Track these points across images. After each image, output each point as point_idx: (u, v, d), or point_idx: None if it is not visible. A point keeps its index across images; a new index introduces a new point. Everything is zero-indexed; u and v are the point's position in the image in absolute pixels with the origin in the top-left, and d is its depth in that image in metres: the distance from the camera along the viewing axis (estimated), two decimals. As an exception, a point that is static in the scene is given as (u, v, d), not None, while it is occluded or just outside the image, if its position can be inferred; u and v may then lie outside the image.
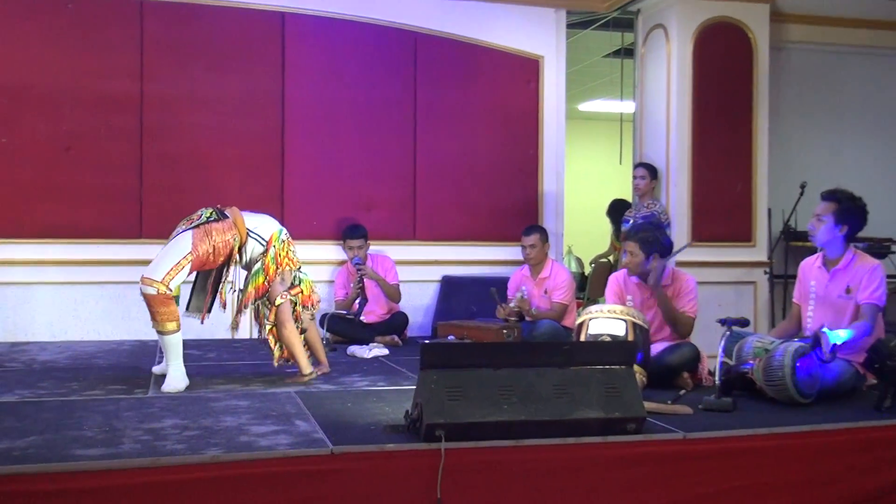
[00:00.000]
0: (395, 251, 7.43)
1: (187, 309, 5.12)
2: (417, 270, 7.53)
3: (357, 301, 6.84)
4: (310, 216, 7.30)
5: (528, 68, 7.87)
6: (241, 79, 7.23)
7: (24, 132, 6.83)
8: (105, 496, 3.10)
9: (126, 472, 3.15)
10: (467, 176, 7.72)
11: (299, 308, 5.05)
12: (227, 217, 4.95)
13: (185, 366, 4.84)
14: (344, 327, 6.78)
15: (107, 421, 3.85)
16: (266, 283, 4.92)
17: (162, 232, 6.85)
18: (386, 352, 6.29)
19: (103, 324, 6.88)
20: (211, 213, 4.96)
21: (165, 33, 7.08)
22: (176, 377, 4.69)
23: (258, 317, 5.06)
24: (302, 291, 5.07)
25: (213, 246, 4.81)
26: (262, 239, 4.97)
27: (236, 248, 4.92)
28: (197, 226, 4.88)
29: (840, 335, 4.41)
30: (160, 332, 4.73)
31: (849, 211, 4.75)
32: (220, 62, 7.19)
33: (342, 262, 7.27)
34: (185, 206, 6.93)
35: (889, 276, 5.93)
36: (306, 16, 7.35)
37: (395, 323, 7.07)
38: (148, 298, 4.67)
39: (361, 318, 6.88)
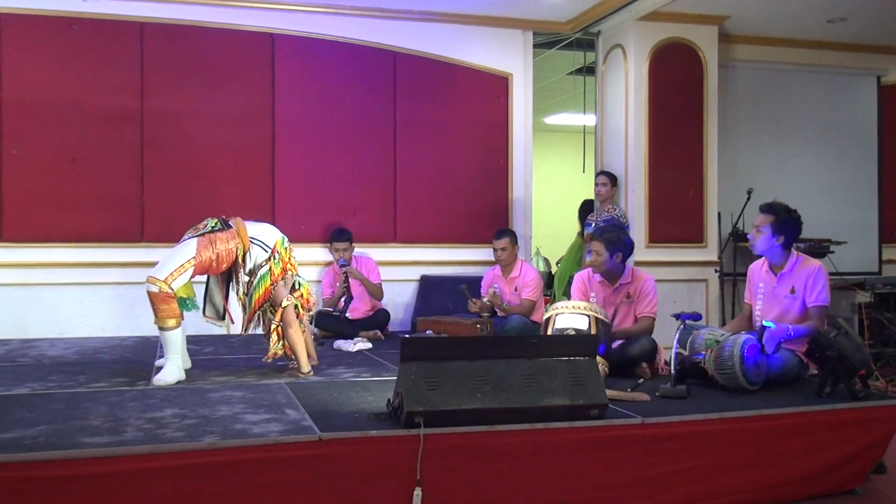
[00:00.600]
0: (377, 253, 7.42)
1: (204, 313, 5.10)
2: (398, 270, 7.53)
3: (343, 299, 6.83)
4: (299, 221, 7.28)
5: (499, 85, 7.89)
6: (234, 95, 7.21)
7: (34, 145, 6.79)
8: (110, 481, 3.07)
9: (129, 458, 3.13)
10: (443, 183, 7.73)
11: (301, 310, 5.03)
12: (231, 227, 4.93)
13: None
14: (330, 323, 6.76)
15: (111, 411, 3.82)
16: (271, 286, 4.90)
17: (162, 236, 6.90)
18: (369, 346, 6.28)
19: (108, 321, 6.83)
20: (216, 223, 4.94)
21: (164, 53, 7.05)
22: (169, 371, 4.66)
23: (263, 317, 5.03)
24: (302, 294, 5.05)
25: (217, 254, 4.79)
26: (266, 245, 4.94)
27: (240, 256, 4.90)
28: (202, 234, 4.86)
29: (789, 327, 4.47)
30: (161, 328, 4.70)
31: (785, 223, 4.78)
32: (215, 80, 7.17)
33: (329, 263, 7.25)
34: (184, 212, 6.97)
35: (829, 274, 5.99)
36: (294, 37, 7.35)
37: (378, 319, 7.07)
38: (151, 296, 4.66)
39: (347, 314, 6.86)
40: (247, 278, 4.95)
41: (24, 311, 6.75)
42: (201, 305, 5.12)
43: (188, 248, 4.78)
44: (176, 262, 4.72)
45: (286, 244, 5.01)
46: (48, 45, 6.82)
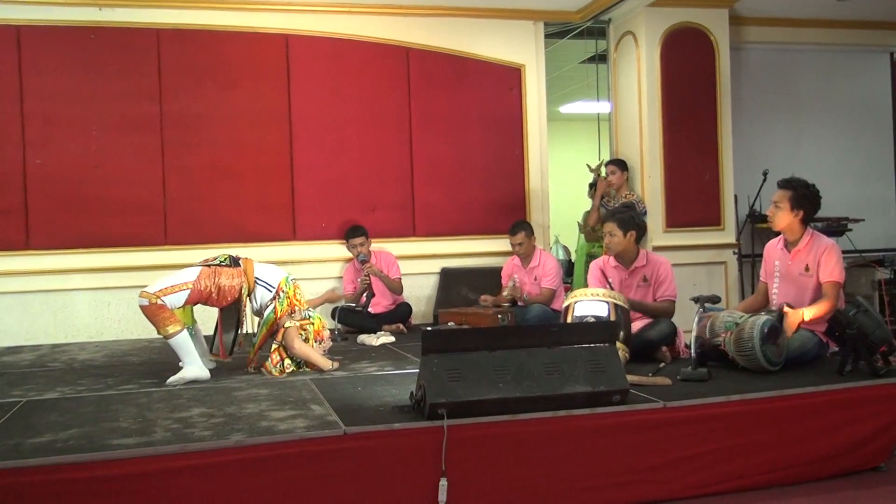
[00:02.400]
0: (396, 247, 7.42)
1: (211, 351, 5.09)
2: (418, 264, 7.52)
3: (364, 294, 6.84)
4: (318, 219, 7.31)
5: (512, 76, 7.85)
6: (251, 96, 7.22)
7: (57, 153, 6.84)
8: (140, 481, 3.10)
9: (158, 458, 3.15)
10: (460, 176, 7.70)
11: (312, 341, 5.01)
12: (239, 265, 4.95)
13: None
14: (353, 318, 6.77)
15: (140, 412, 3.85)
16: (275, 324, 4.92)
17: (185, 238, 6.96)
18: (392, 339, 6.28)
19: (135, 325, 6.85)
20: (225, 259, 4.96)
21: (181, 58, 7.08)
22: (186, 369, 4.66)
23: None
24: (313, 324, 5.03)
25: (218, 287, 4.80)
26: (271, 286, 4.95)
27: (245, 294, 4.91)
28: (209, 266, 4.89)
29: (806, 314, 4.43)
30: (166, 337, 4.68)
31: (803, 197, 4.74)
32: (232, 82, 7.19)
33: (349, 260, 7.26)
34: (206, 214, 7.04)
35: (845, 252, 5.93)
36: (308, 37, 7.35)
37: (400, 312, 7.07)
38: (143, 310, 4.66)
39: (369, 309, 6.87)
40: (255, 318, 4.99)
41: (53, 317, 6.82)
42: (212, 345, 5.12)
43: (189, 273, 4.82)
44: (171, 280, 4.74)
45: (290, 282, 5.01)
46: (67, 55, 6.87)
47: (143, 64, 7.00)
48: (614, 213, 5.43)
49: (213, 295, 4.81)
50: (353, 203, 7.42)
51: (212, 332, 5.14)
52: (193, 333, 4.91)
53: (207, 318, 5.22)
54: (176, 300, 4.70)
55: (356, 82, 7.46)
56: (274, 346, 4.93)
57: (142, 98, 6.98)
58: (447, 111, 7.67)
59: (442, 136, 7.66)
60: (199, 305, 4.95)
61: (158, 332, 4.71)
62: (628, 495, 3.68)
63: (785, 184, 4.82)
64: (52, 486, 3.02)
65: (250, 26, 7.21)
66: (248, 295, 4.94)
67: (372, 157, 7.49)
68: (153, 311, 4.63)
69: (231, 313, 5.08)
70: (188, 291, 4.73)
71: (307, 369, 4.96)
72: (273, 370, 4.87)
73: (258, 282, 4.95)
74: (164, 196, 7.03)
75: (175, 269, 4.93)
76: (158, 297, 4.64)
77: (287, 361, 4.93)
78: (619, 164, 7.57)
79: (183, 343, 4.70)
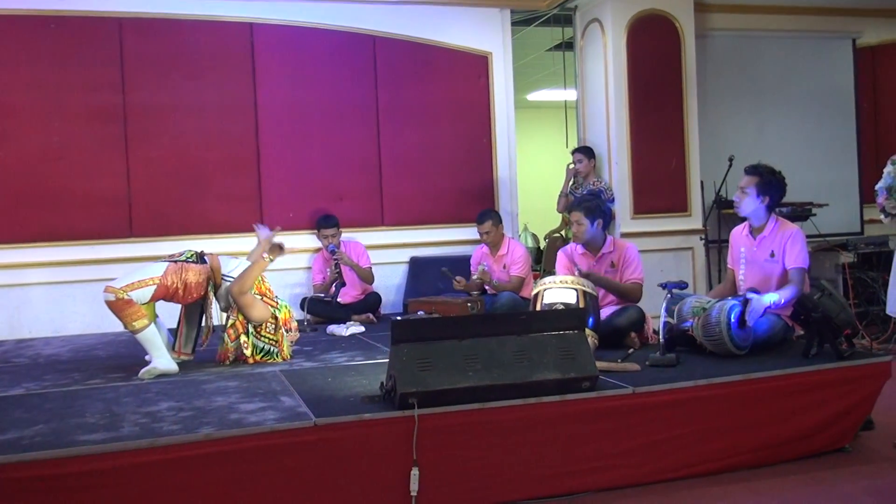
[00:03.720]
0: (365, 237, 7.39)
1: (173, 349, 5.02)
2: (387, 253, 7.51)
3: (333, 284, 6.81)
4: (286, 209, 7.25)
5: (479, 64, 7.84)
6: (215, 86, 7.14)
7: (18, 146, 6.72)
8: (108, 477, 3.07)
9: (127, 453, 3.11)
10: (428, 165, 7.69)
11: (281, 328, 4.98)
12: (206, 262, 4.92)
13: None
14: (322, 308, 6.76)
15: (107, 407, 3.81)
16: (245, 318, 4.90)
17: (151, 230, 6.89)
18: (362, 329, 6.27)
19: (101, 318, 6.68)
20: (192, 255, 4.92)
21: (144, 47, 6.98)
22: (155, 362, 4.62)
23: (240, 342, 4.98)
24: (280, 311, 5.01)
25: (185, 283, 4.76)
26: None
27: (211, 292, 4.89)
28: (175, 261, 4.85)
29: (769, 299, 4.47)
30: (133, 332, 4.64)
31: (769, 184, 4.78)
32: (196, 72, 7.11)
33: (318, 250, 7.23)
34: (172, 206, 6.96)
35: (809, 237, 6.02)
36: (272, 25, 7.28)
37: (370, 302, 7.05)
38: (109, 305, 4.60)
39: (338, 299, 6.85)
40: (225, 314, 4.98)
41: (17, 312, 6.72)
42: (173, 341, 5.06)
43: (155, 268, 4.77)
44: (137, 276, 4.68)
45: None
46: (27, 46, 6.73)
47: (104, 54, 6.89)
48: (581, 201, 5.45)
49: (180, 291, 4.77)
50: (321, 193, 7.38)
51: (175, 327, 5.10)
52: (158, 327, 4.87)
53: (169, 314, 5.17)
54: (142, 296, 4.65)
55: (322, 71, 7.41)
56: (244, 339, 4.89)
57: (104, 89, 6.88)
58: (414, 100, 7.65)
59: (409, 124, 7.64)
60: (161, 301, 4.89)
61: (126, 328, 4.65)
62: (600, 480, 3.71)
63: (752, 170, 4.86)
64: (18, 484, 2.98)
65: (214, 15, 7.12)
66: (216, 292, 4.91)
67: (339, 146, 7.45)
68: (120, 307, 4.58)
69: (194, 309, 5.05)
70: (154, 287, 4.68)
71: (278, 359, 4.94)
72: (249, 356, 4.86)
73: (225, 278, 4.92)
74: (129, 188, 6.94)
75: (141, 262, 4.88)
76: (125, 291, 4.58)
77: (258, 345, 4.91)
78: (586, 152, 7.61)
79: (151, 337, 4.65)
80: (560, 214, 8.08)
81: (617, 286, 5.16)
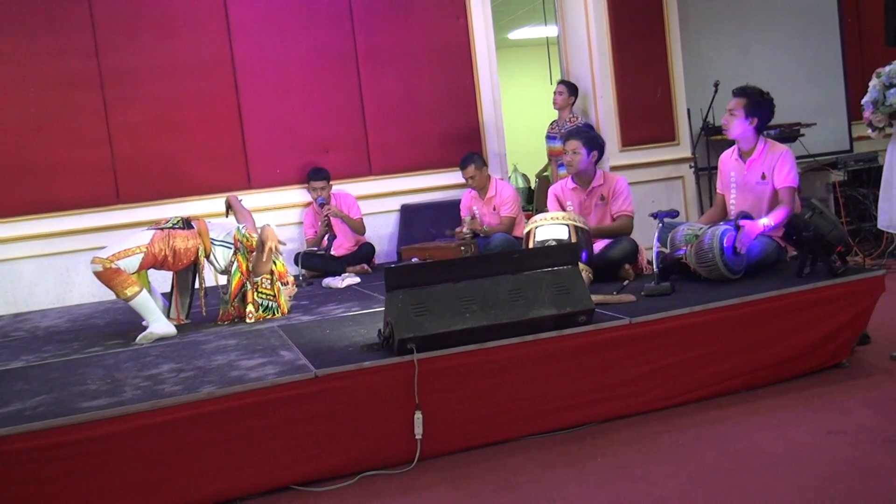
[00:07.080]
0: (354, 188, 7.37)
1: (169, 316, 5.02)
2: (377, 203, 7.49)
3: (326, 237, 6.80)
4: (273, 165, 7.21)
5: (457, 4, 7.71)
6: (191, 44, 7.03)
7: (-5, 118, 6.65)
8: (112, 442, 3.09)
9: (129, 417, 3.13)
10: (412, 111, 7.62)
11: (277, 281, 4.99)
12: (193, 228, 4.89)
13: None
14: (317, 262, 6.76)
15: (108, 373, 3.83)
16: (244, 275, 4.89)
17: (138, 196, 6.85)
18: (357, 280, 6.28)
19: (96, 286, 6.72)
20: (178, 221, 4.91)
21: (114, 8, 6.85)
22: (153, 328, 4.63)
23: (244, 299, 4.98)
24: (277, 267, 5.01)
25: (173, 250, 4.74)
26: (228, 243, 4.94)
27: (202, 257, 4.87)
28: (161, 228, 4.83)
29: (760, 224, 4.48)
30: (126, 300, 4.64)
31: (758, 105, 4.76)
32: (170, 31, 6.99)
33: (308, 204, 7.21)
34: (157, 169, 6.92)
35: (799, 157, 6.00)
36: (244, -24, 7.15)
37: (363, 253, 7.05)
38: (98, 276, 4.59)
39: (332, 252, 6.85)
40: (224, 277, 5.00)
41: (11, 286, 6.71)
42: (168, 306, 5.08)
43: (142, 236, 4.75)
44: (124, 245, 4.67)
45: (244, 231, 4.96)
46: (-5, 15, 6.62)
47: (74, 17, 6.75)
48: (579, 131, 5.39)
49: (169, 258, 4.75)
50: (307, 146, 7.32)
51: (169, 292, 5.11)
52: (151, 292, 4.87)
53: (163, 281, 5.16)
54: (130, 264, 4.63)
55: (298, 20, 7.28)
56: (249, 299, 4.91)
57: (77, 54, 6.77)
58: (393, 45, 7.54)
59: (390, 70, 7.55)
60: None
61: (118, 297, 4.66)
62: (601, 412, 3.75)
63: (740, 92, 4.84)
64: (23, 455, 3.00)
65: (184, -30, 6.99)
66: (207, 257, 4.91)
67: (321, 97, 7.37)
68: (109, 276, 4.57)
69: (185, 275, 5.05)
70: (142, 255, 4.66)
71: (277, 314, 4.97)
72: (251, 316, 4.87)
73: (215, 243, 4.91)
74: (112, 154, 6.88)
75: (128, 230, 4.85)
76: (112, 261, 4.57)
77: (262, 306, 4.93)
78: (568, 86, 7.55)
79: (144, 303, 4.66)
80: (547, 154, 8.04)
81: (610, 231, 5.14)
